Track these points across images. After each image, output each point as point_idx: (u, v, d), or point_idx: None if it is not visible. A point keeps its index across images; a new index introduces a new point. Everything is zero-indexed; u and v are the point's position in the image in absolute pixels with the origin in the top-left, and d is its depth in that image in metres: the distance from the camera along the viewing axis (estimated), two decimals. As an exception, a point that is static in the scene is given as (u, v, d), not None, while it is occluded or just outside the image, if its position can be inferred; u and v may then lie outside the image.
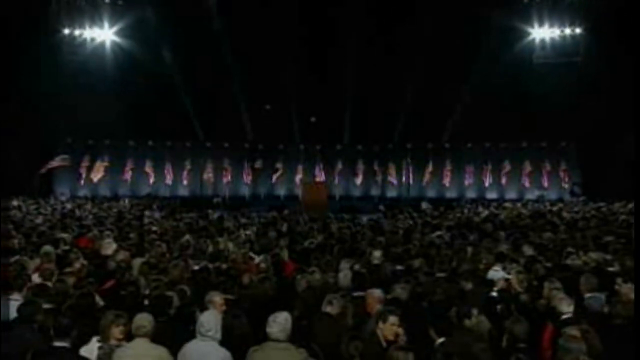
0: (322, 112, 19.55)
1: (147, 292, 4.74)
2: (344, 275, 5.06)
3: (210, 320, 3.61)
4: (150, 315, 3.61)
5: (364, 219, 12.65)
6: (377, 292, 4.36)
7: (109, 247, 6.59)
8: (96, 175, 20.08)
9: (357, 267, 5.68)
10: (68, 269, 5.39)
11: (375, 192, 21.53)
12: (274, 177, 21.18)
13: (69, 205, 14.80)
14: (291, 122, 20.30)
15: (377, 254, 6.27)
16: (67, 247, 6.87)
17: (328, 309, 4.13)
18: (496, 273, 5.47)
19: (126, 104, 18.20)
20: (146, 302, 4.40)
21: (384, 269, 5.77)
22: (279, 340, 3.45)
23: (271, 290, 4.74)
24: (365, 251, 6.83)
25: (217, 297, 4.17)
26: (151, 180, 20.73)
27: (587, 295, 4.56)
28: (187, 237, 8.06)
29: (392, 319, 3.72)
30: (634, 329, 3.74)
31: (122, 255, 6.16)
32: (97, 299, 4.43)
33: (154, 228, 9.58)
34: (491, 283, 5.14)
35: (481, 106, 17.96)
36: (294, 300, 4.59)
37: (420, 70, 17.69)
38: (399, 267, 5.90)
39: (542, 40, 18.19)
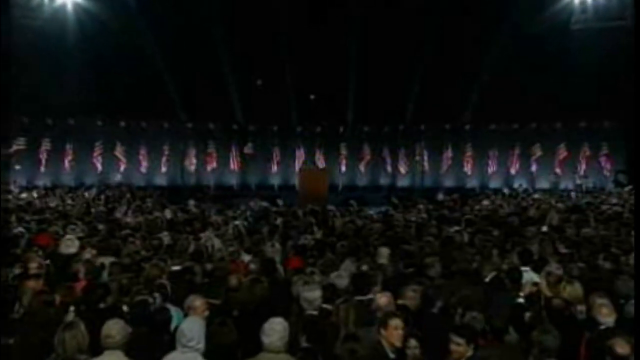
0: (323, 88, 19.44)
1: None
2: (337, 276, 5.08)
3: (192, 328, 3.62)
4: (121, 322, 3.61)
5: (371, 211, 12.69)
6: (384, 297, 4.38)
7: (70, 244, 6.57)
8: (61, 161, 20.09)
9: (364, 267, 5.71)
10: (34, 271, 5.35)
11: (384, 181, 21.55)
12: (273, 167, 21.17)
13: (24, 195, 14.81)
14: (287, 100, 20.21)
15: (385, 252, 6.29)
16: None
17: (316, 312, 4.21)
18: (524, 275, 5.48)
19: (93, 78, 18.05)
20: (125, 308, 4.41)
21: (392, 269, 5.79)
22: (276, 350, 3.47)
23: (263, 293, 4.76)
24: (371, 249, 6.85)
25: (198, 302, 4.19)
26: (122, 167, 20.71)
27: (623, 301, 4.51)
28: (165, 233, 8.10)
29: (394, 322, 3.76)
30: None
31: (89, 254, 6.16)
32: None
33: (129, 221, 9.65)
34: (518, 286, 5.16)
35: (508, 80, 17.82)
36: (290, 304, 4.61)
37: (437, 38, 17.52)
38: (410, 268, 5.92)
39: (583, 2, 17.96)
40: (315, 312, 4.25)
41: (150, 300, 4.50)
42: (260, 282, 4.78)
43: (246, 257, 6.54)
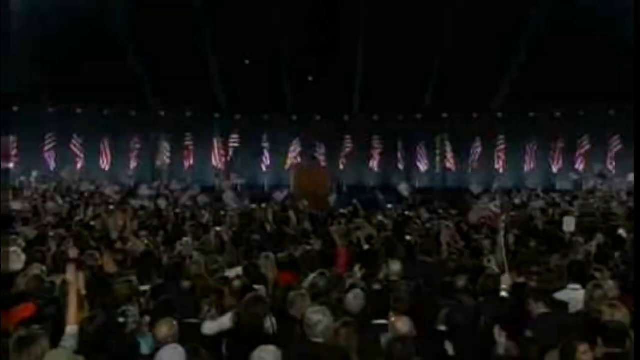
0: (323, 68, 19.47)
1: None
2: (354, 296, 5.10)
3: (173, 356, 3.67)
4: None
5: (382, 217, 12.75)
6: (400, 322, 4.39)
7: (16, 259, 6.56)
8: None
9: (376, 285, 5.73)
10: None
11: (397, 180, 21.55)
12: (264, 163, 21.20)
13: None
14: (280, 83, 20.24)
15: (397, 267, 6.31)
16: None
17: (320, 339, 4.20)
18: (573, 294, 5.47)
19: (44, 56, 18.08)
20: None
21: (407, 286, 5.81)
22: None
23: (260, 315, 4.78)
24: (382, 262, 6.87)
25: (164, 328, 4.19)
26: (79, 164, 20.72)
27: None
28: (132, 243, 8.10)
29: None
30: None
31: (38, 269, 6.15)
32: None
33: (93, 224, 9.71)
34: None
35: (549, 58, 17.85)
36: (289, 328, 4.63)
37: (462, 8, 17.51)
38: (431, 285, 5.94)
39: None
40: (320, 340, 4.24)
41: (122, 319, 4.53)
42: (263, 301, 4.80)
43: (231, 272, 6.52)
